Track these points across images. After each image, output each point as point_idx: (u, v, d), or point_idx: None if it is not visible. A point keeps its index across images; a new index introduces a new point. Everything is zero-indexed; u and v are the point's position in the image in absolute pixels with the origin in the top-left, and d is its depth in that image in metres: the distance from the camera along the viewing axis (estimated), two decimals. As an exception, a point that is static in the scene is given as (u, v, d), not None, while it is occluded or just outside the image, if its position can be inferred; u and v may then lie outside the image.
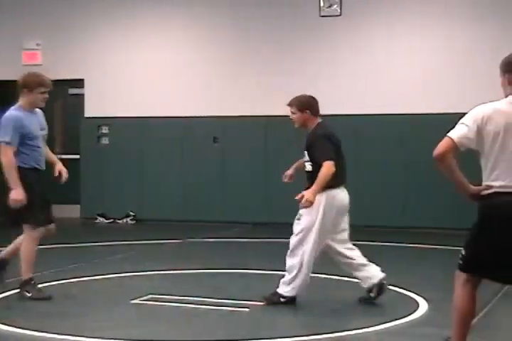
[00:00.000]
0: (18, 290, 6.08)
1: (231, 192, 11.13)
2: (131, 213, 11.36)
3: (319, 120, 5.91)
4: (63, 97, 12.11)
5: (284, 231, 10.03)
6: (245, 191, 11.08)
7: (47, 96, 6.07)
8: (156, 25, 11.51)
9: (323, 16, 10.81)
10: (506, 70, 4.07)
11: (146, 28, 11.51)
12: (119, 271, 7.15)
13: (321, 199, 5.57)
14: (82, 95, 11.82)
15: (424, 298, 5.96)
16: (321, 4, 10.79)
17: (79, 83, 11.78)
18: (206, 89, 11.26)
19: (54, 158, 6.21)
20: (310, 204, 5.46)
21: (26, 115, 5.96)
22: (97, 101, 11.72)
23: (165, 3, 11.45)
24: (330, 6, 10.77)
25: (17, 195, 5.74)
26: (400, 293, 6.25)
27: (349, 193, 5.81)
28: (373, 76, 10.60)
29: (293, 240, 5.84)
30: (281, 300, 5.74)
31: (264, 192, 11.02)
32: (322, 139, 5.66)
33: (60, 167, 6.10)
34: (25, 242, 5.94)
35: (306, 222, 5.69)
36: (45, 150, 6.12)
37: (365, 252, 5.92)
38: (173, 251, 8.75)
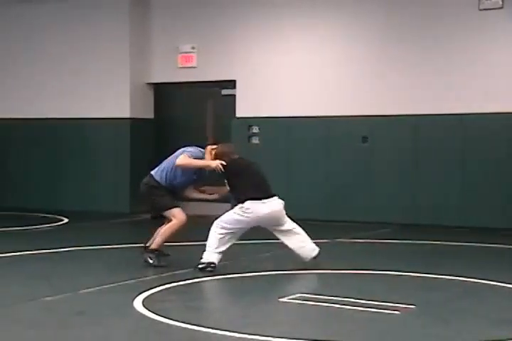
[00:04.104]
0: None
1: (378, 193, 11.03)
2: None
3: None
4: (216, 98, 12.45)
5: (432, 233, 9.91)
6: (393, 191, 10.95)
7: None
8: (306, 25, 11.57)
9: (482, 10, 10.44)
10: None
11: (296, 30, 11.61)
12: (267, 269, 7.26)
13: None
14: (233, 96, 12.09)
15: None
16: (481, -3, 10.37)
17: (231, 84, 12.05)
18: (354, 89, 11.22)
19: None
20: None
21: None
22: (248, 101, 11.94)
23: (314, 4, 11.50)
24: (490, -1, 10.36)
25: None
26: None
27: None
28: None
29: None
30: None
31: (412, 192, 10.86)
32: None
33: None
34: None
35: None
36: None
37: None
38: (321, 251, 8.76)
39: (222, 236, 7.06)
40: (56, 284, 6.64)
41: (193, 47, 12.24)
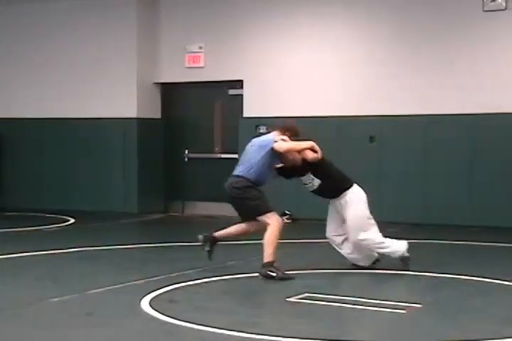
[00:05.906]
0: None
1: (387, 192, 11.02)
2: (287, 212, 11.42)
3: None
4: (223, 98, 12.46)
5: (441, 233, 9.89)
6: (401, 191, 10.94)
7: None
8: (314, 26, 11.57)
9: (486, 11, 10.43)
10: None
11: (304, 29, 11.60)
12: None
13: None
14: (241, 95, 12.10)
15: None
16: (485, -2, 10.38)
17: (238, 84, 12.07)
18: (363, 89, 11.21)
19: None
20: None
21: None
22: (255, 101, 11.95)
23: (323, 3, 11.50)
24: (494, 0, 10.36)
25: None
26: None
27: None
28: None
29: None
30: None
31: (421, 192, 10.84)
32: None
33: None
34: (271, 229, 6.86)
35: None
36: None
37: None
38: (324, 251, 8.77)
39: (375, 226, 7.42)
40: (64, 285, 6.67)
41: (200, 47, 12.26)
